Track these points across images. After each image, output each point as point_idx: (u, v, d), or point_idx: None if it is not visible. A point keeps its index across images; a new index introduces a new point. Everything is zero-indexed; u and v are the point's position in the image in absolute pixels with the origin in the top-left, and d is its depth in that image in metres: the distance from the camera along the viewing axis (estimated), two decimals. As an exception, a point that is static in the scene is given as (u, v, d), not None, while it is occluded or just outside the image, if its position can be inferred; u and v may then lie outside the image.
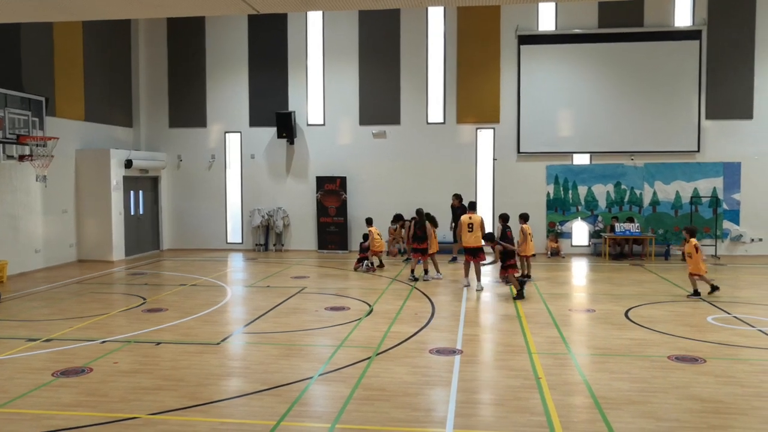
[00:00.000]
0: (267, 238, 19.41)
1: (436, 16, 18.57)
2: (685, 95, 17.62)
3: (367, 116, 18.92)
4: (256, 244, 19.47)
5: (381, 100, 18.83)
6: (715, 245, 17.55)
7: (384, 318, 10.11)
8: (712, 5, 17.48)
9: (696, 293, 11.74)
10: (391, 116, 18.81)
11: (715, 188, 17.60)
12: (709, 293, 11.74)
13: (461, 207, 15.86)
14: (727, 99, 17.57)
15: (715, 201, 17.54)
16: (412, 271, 13.89)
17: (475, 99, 18.40)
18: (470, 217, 12.93)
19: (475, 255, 12.76)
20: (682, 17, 17.85)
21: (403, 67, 18.67)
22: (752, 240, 17.52)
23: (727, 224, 17.63)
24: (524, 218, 13.76)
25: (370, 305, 11.08)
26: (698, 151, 17.65)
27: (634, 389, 6.77)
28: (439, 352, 8.20)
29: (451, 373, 7.33)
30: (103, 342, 8.71)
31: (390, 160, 18.82)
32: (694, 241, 11.87)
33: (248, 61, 19.36)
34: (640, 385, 6.89)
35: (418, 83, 18.64)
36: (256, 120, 19.40)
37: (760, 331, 9.28)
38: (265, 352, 8.29)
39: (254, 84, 19.35)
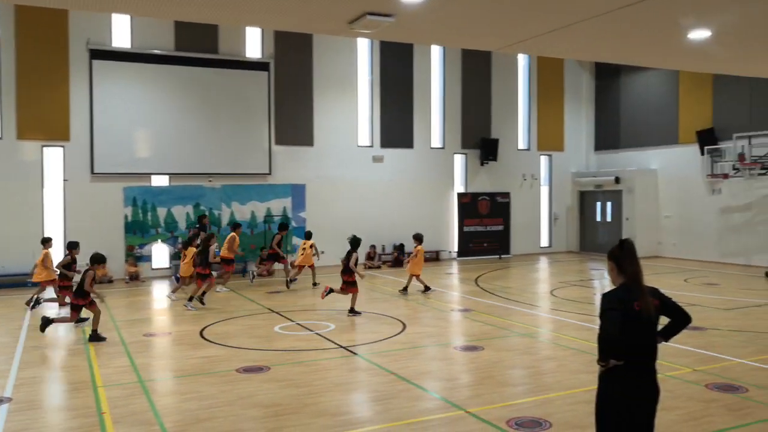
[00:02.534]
0: None
1: (-14, 15, 16.19)
2: (258, 122, 18.93)
3: None
4: None
5: None
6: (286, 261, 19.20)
7: None
8: (278, 40, 19.19)
9: (405, 290, 14.41)
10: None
11: (285, 207, 19.28)
12: (423, 292, 14.37)
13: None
14: (292, 127, 19.48)
15: (285, 219, 19.21)
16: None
17: (39, 113, 16.56)
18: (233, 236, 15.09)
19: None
20: (253, 49, 19.16)
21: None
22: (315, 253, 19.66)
23: (296, 240, 19.43)
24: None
25: None
26: (270, 173, 19.12)
27: (202, 407, 6.82)
28: (-18, 403, 6.99)
29: (-6, 426, 6.31)
30: None
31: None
32: (420, 247, 14.44)
33: None
34: (208, 402, 6.98)
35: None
36: None
37: (317, 334, 10.39)
38: None
39: None
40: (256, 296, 14.33)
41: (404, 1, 5.19)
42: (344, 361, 8.79)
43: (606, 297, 4.07)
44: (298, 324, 11.19)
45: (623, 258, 4.12)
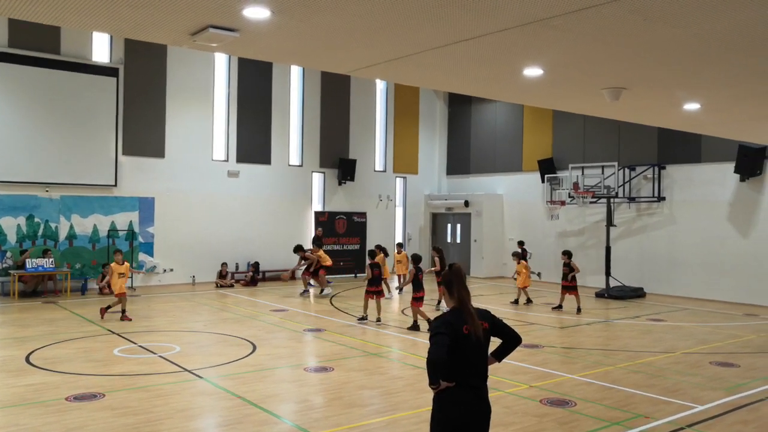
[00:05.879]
0: None
1: None
2: (103, 130, 17.77)
3: None
4: None
5: None
6: (132, 277, 18.09)
7: None
8: (129, 46, 18.20)
9: (529, 301, 16.34)
10: None
11: (131, 222, 18.20)
12: (525, 303, 16.17)
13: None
14: (142, 137, 18.49)
15: (131, 234, 18.15)
16: None
17: None
18: None
19: None
20: (100, 53, 18.04)
21: None
22: (164, 270, 18.78)
23: (142, 256, 18.43)
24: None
25: None
26: (116, 185, 17.99)
27: (22, 442, 6.19)
28: None
29: None
30: None
31: None
32: (524, 262, 16.25)
33: None
34: (29, 436, 6.35)
35: None
36: None
37: (161, 357, 9.84)
38: None
39: None
40: (93, 317, 13.33)
41: (248, 17, 5.09)
42: (188, 385, 8.38)
43: (435, 321, 4.16)
44: (140, 346, 10.54)
45: (451, 283, 4.25)
